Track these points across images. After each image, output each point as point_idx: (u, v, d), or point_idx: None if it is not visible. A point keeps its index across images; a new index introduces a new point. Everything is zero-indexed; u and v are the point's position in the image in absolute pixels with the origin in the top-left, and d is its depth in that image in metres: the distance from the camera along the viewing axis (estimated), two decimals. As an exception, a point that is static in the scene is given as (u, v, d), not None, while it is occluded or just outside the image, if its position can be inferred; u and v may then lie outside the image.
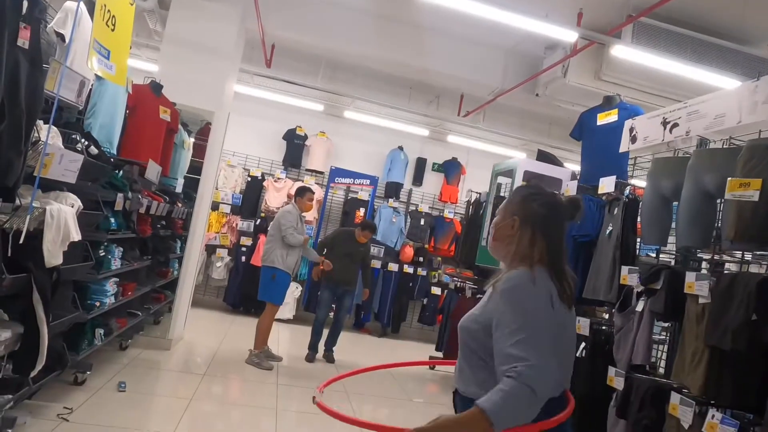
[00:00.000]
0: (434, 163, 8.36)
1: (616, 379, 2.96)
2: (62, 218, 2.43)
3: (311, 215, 7.16)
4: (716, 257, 2.86)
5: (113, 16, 2.72)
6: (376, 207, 7.76)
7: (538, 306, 1.40)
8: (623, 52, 4.57)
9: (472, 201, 6.62)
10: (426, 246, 7.89)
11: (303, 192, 5.27)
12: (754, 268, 3.05)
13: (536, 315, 1.38)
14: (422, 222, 7.88)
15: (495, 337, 1.38)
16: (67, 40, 2.76)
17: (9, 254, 2.19)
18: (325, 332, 5.66)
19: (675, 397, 2.52)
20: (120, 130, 3.79)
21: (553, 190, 1.67)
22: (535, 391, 1.25)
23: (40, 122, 2.32)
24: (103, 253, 3.45)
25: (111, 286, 3.60)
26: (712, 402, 2.40)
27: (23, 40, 2.00)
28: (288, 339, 6.45)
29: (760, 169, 2.36)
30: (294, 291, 7.22)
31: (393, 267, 7.70)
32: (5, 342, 2.31)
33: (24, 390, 2.65)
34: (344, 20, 5.88)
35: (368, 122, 7.79)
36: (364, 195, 7.73)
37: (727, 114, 2.75)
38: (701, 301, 2.51)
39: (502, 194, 5.63)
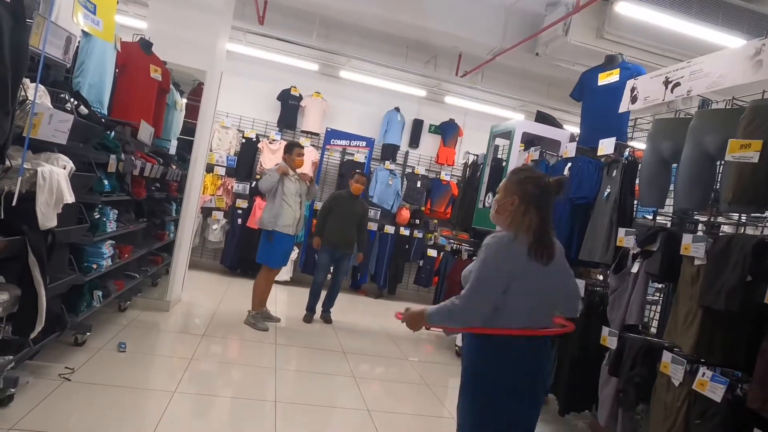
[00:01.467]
0: (431, 125, 8.26)
1: (609, 339, 3.02)
2: (54, 180, 2.39)
3: (306, 169, 7.09)
4: (712, 219, 2.87)
5: (98, -32, 2.60)
6: (372, 169, 7.71)
7: (497, 261, 1.88)
8: (628, 9, 4.45)
9: (470, 163, 6.57)
10: (422, 208, 7.89)
11: (291, 148, 5.17)
12: (750, 231, 3.07)
13: (491, 267, 1.88)
14: (419, 184, 7.85)
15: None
16: (50, -6, 2.65)
17: (2, 217, 2.17)
18: (323, 294, 5.73)
19: (666, 356, 2.58)
20: (110, 89, 3.69)
21: (543, 174, 2.09)
22: (455, 311, 1.87)
23: (26, 80, 2.25)
24: (98, 216, 3.42)
25: (107, 249, 3.60)
26: (703, 360, 2.46)
27: (4, -8, 1.91)
28: (285, 300, 6.52)
29: (763, 130, 2.33)
30: (291, 253, 7.25)
31: (389, 229, 7.71)
32: (3, 304, 2.31)
33: (25, 351, 2.68)
34: (339, -25, 5.67)
35: (364, 82, 7.63)
36: (360, 157, 7.66)
37: (730, 74, 2.70)
38: (697, 262, 2.53)
39: (499, 156, 5.58)
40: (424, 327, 1.99)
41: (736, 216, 2.92)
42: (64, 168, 2.55)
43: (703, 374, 2.35)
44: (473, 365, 1.97)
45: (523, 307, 1.90)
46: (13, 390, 2.63)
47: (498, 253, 1.89)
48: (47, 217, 2.39)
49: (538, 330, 1.93)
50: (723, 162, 2.63)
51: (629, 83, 3.49)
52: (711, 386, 2.30)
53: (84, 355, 3.47)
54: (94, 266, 3.41)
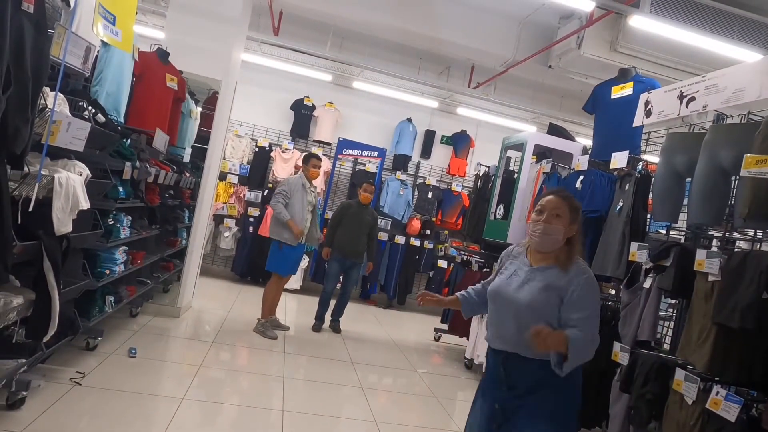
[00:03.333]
0: (443, 136, 8.27)
1: (620, 354, 2.97)
2: (71, 186, 2.44)
3: (318, 184, 7.14)
4: (727, 235, 2.83)
5: (118, -20, 2.66)
6: (383, 179, 7.73)
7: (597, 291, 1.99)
8: (641, 22, 4.43)
9: (481, 174, 6.56)
10: (433, 219, 7.88)
11: (308, 159, 5.22)
12: (766, 247, 3.02)
13: (598, 299, 1.99)
14: (430, 195, 7.85)
15: (568, 308, 1.91)
16: (71, 5, 2.71)
17: (19, 222, 2.21)
18: (332, 303, 5.72)
19: (680, 373, 2.53)
20: (127, 98, 3.76)
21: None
22: (589, 343, 1.87)
23: (46, 89, 2.30)
24: (112, 222, 3.47)
25: (120, 255, 3.64)
26: (717, 378, 2.41)
27: (28, 4, 1.96)
28: (295, 309, 6.53)
29: (779, 145, 2.30)
30: (301, 262, 7.27)
31: (400, 240, 7.71)
32: (18, 308, 2.35)
33: (37, 354, 2.71)
34: (354, -13, 5.74)
35: (377, 93, 7.68)
36: (372, 167, 7.68)
37: (746, 88, 2.67)
38: (711, 278, 2.49)
39: (511, 168, 5.57)
40: (556, 350, 1.85)
41: (751, 232, 2.87)
42: (81, 175, 2.60)
43: (717, 393, 2.30)
44: (561, 392, 1.92)
45: None
46: (24, 393, 2.66)
47: (596, 290, 1.98)
48: (63, 223, 2.43)
49: None
50: (738, 177, 2.60)
51: (643, 97, 3.47)
52: (725, 405, 2.25)
53: (95, 360, 3.50)
54: (107, 272, 3.46)
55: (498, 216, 5.03)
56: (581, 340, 1.83)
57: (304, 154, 5.53)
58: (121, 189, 3.47)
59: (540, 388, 1.91)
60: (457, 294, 2.36)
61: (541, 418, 1.89)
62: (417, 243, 7.80)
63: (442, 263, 7.76)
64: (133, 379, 3.37)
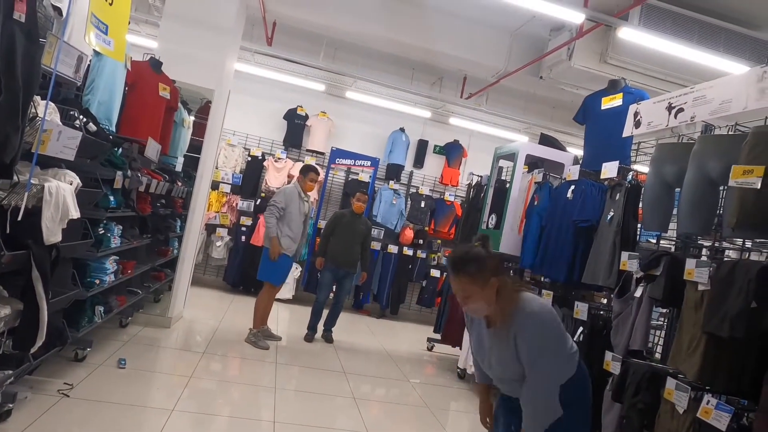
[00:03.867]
0: (436, 146, 8.31)
1: (612, 364, 2.98)
2: (61, 195, 2.42)
3: (312, 195, 7.14)
4: (717, 244, 2.86)
5: (111, -10, 2.66)
6: (376, 189, 7.74)
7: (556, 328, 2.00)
8: (630, 34, 4.50)
9: (473, 184, 6.59)
10: (426, 228, 7.89)
11: (306, 171, 5.23)
12: (754, 256, 3.05)
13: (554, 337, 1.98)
14: (423, 204, 7.87)
15: (523, 361, 1.91)
16: (64, 14, 2.71)
17: (8, 231, 2.19)
18: (325, 312, 5.70)
19: (671, 382, 2.54)
20: (119, 107, 3.75)
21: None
22: (542, 415, 1.92)
23: (37, 98, 2.29)
24: (103, 231, 3.45)
25: (111, 264, 3.61)
26: (708, 387, 2.42)
27: (19, 13, 1.96)
28: (287, 319, 6.49)
29: (766, 156, 2.34)
30: (294, 271, 7.25)
31: (393, 249, 7.71)
32: (5, 318, 2.32)
33: (24, 366, 2.68)
34: (347, -2, 5.78)
35: (370, 103, 7.72)
36: (364, 176, 7.70)
37: (733, 100, 2.72)
38: (700, 288, 2.51)
39: (503, 178, 5.60)
40: None
41: (740, 241, 2.90)
42: (71, 184, 2.58)
43: (708, 402, 2.31)
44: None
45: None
46: (11, 405, 2.61)
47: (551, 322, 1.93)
48: (52, 232, 2.41)
49: None
50: (726, 187, 2.63)
51: (632, 108, 3.51)
52: (716, 414, 2.26)
53: (84, 371, 3.45)
54: (97, 281, 3.42)
55: (490, 225, 5.05)
56: (530, 423, 1.87)
57: (303, 165, 5.53)
58: (112, 198, 3.45)
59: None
60: (479, 383, 2.33)
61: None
62: (410, 252, 7.79)
63: (435, 272, 7.76)
64: (123, 391, 3.33)
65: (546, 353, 1.88)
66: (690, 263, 2.58)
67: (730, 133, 2.77)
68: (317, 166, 6.12)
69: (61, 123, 2.50)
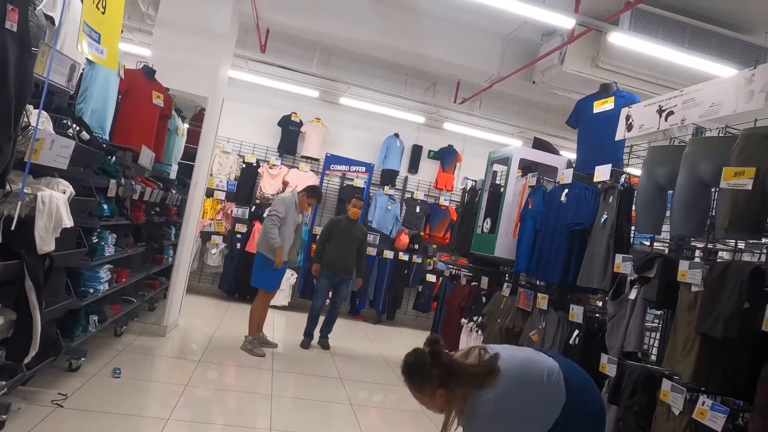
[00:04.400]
0: (430, 151, 8.34)
1: (608, 366, 2.99)
2: (54, 204, 2.41)
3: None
4: (710, 246, 2.87)
5: (104, -1, 2.66)
6: (371, 194, 7.75)
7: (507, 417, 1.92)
8: (621, 39, 4.54)
9: (468, 189, 6.60)
10: (421, 233, 7.90)
11: (312, 193, 5.21)
12: (747, 257, 3.07)
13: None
14: (418, 209, 7.88)
15: None
16: (56, 23, 2.71)
17: (1, 241, 2.17)
18: (321, 319, 5.68)
19: (666, 384, 2.55)
20: (112, 115, 3.75)
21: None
22: None
23: (30, 107, 2.29)
24: (96, 240, 3.43)
25: (105, 273, 3.59)
26: (703, 389, 2.43)
27: (11, 22, 1.96)
28: (283, 325, 6.47)
29: (756, 157, 2.36)
30: (289, 278, 7.23)
31: (388, 254, 7.71)
32: (-2, 328, 2.30)
33: (18, 376, 2.66)
34: (340, 4, 5.81)
35: (364, 109, 7.74)
36: (359, 182, 7.70)
37: (723, 102, 2.74)
38: (694, 289, 2.52)
39: (497, 182, 5.61)
40: None
41: (732, 242, 2.92)
42: (64, 192, 2.57)
43: (703, 403, 2.32)
44: None
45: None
46: (4, 416, 2.59)
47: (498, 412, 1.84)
48: (45, 242, 2.40)
49: None
50: (718, 189, 2.65)
51: (624, 111, 3.54)
52: (711, 415, 2.26)
53: (78, 381, 3.43)
54: (91, 290, 3.40)
55: (485, 230, 5.06)
56: None
57: (311, 186, 5.46)
58: (105, 206, 3.43)
59: None
60: None
61: None
62: (405, 257, 7.80)
63: (431, 277, 7.76)
64: (118, 400, 3.31)
65: None
66: (683, 265, 2.59)
67: (720, 135, 2.79)
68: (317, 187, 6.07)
69: (53, 132, 2.50)
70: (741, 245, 2.87)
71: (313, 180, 7.45)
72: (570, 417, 1.90)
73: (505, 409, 1.85)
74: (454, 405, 1.92)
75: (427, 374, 1.87)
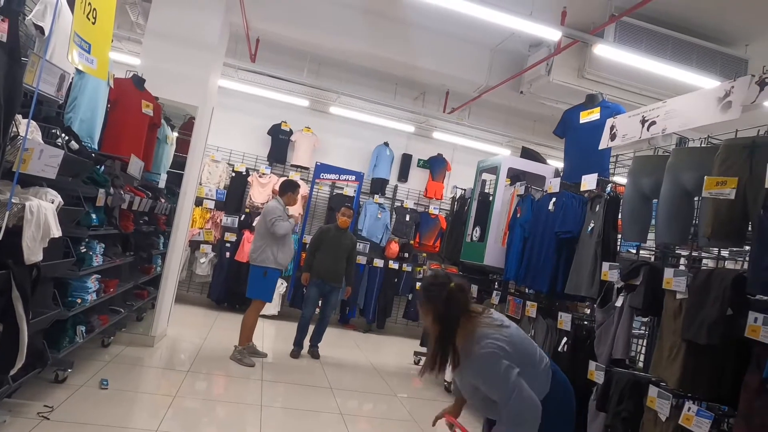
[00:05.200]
0: (420, 159, 8.39)
1: (596, 373, 3.02)
2: (42, 214, 2.40)
3: (296, 210, 7.13)
4: (694, 254, 2.93)
5: (94, 9, 2.67)
6: (361, 203, 7.77)
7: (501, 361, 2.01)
8: (606, 51, 4.63)
9: (457, 197, 6.65)
10: (411, 242, 7.92)
11: (294, 187, 5.25)
12: (730, 265, 3.14)
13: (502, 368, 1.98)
14: (407, 218, 7.91)
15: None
16: (46, 33, 2.71)
17: (-13, 251, 2.16)
18: (311, 328, 5.67)
19: (653, 390, 2.58)
20: (101, 124, 3.73)
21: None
22: (515, 420, 1.93)
23: (18, 117, 2.28)
24: (85, 250, 3.40)
25: (92, 283, 3.56)
26: (689, 395, 2.47)
27: (1, 33, 1.96)
28: (273, 335, 6.43)
29: (737, 167, 2.42)
30: (279, 287, 7.20)
31: (378, 263, 7.71)
32: (-16, 340, 2.27)
33: (4, 388, 2.62)
34: (330, 15, 5.86)
35: (354, 118, 7.78)
36: (349, 191, 7.72)
37: (701, 113, 2.81)
38: (678, 296, 2.57)
39: (486, 191, 5.67)
40: None
41: (716, 250, 2.98)
42: (52, 202, 2.56)
43: (689, 409, 2.36)
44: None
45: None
46: (-11, 430, 2.55)
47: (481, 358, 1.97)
48: (33, 252, 2.38)
49: None
50: (701, 198, 2.71)
51: (609, 121, 3.61)
52: (697, 421, 2.30)
53: (64, 393, 3.38)
54: (79, 301, 3.37)
55: (474, 238, 5.10)
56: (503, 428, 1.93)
57: (287, 180, 5.45)
58: (94, 216, 3.41)
59: None
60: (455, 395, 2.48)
61: None
62: (396, 266, 7.81)
63: (421, 286, 7.76)
64: (105, 412, 3.27)
65: (498, 379, 1.93)
66: (668, 272, 2.64)
67: (703, 145, 2.86)
68: (296, 180, 6.08)
69: (42, 142, 2.49)
70: (724, 253, 2.93)
71: (302, 189, 7.45)
72: (546, 410, 1.95)
73: (492, 360, 1.94)
74: (446, 340, 2.00)
75: (435, 298, 2.01)
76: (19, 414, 2.95)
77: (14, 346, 2.36)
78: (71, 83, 3.21)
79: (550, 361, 2.13)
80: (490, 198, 5.15)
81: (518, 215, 4.33)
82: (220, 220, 7.36)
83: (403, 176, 8.31)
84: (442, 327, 2.00)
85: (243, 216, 7.36)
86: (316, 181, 7.61)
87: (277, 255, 5.01)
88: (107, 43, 2.91)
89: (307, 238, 6.79)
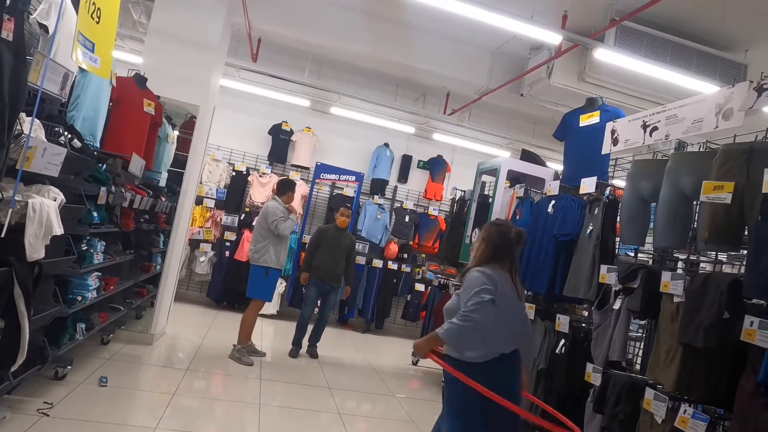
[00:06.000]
0: (420, 161, 8.41)
1: (593, 375, 3.04)
2: (44, 212, 2.41)
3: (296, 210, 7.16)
4: (692, 257, 2.95)
5: (98, 8, 2.69)
6: (361, 203, 7.78)
7: (484, 278, 2.42)
8: (606, 55, 4.65)
9: (457, 199, 6.68)
10: (410, 243, 7.94)
11: (293, 187, 5.29)
12: (727, 269, 3.16)
13: (480, 280, 2.40)
14: (407, 219, 7.93)
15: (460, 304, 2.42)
16: (50, 32, 2.73)
17: (-10, 248, 2.17)
18: (309, 328, 5.68)
19: (649, 393, 2.60)
20: (103, 123, 3.75)
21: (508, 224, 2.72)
22: (461, 323, 2.33)
23: (22, 115, 2.29)
24: (86, 247, 3.42)
25: (93, 281, 3.57)
26: (685, 397, 2.49)
27: (7, 32, 1.98)
28: (272, 334, 6.45)
29: (734, 172, 2.44)
30: (278, 286, 7.21)
31: (377, 263, 7.73)
32: (-15, 336, 2.29)
33: (4, 385, 2.63)
34: (332, 15, 5.88)
35: (354, 119, 7.79)
36: (349, 191, 7.73)
37: (704, 119, 2.83)
38: (676, 300, 2.59)
39: (486, 192, 5.69)
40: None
41: (713, 254, 3.00)
42: (55, 200, 2.57)
43: (685, 411, 2.37)
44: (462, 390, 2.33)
45: (501, 333, 2.38)
46: (-11, 426, 2.57)
47: (482, 276, 2.41)
48: (35, 249, 2.39)
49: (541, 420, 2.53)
50: (699, 202, 2.73)
51: (609, 125, 3.63)
52: (693, 423, 2.32)
53: (64, 390, 3.40)
54: (79, 298, 3.38)
55: (474, 240, 5.11)
56: (448, 331, 2.35)
57: (284, 180, 5.50)
58: (95, 214, 3.43)
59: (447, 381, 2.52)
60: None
61: (447, 408, 2.51)
62: (395, 267, 7.82)
63: (420, 287, 7.79)
64: (104, 409, 3.28)
65: (469, 293, 2.36)
66: (666, 276, 2.66)
67: (701, 149, 2.88)
68: (295, 179, 6.10)
69: (45, 140, 2.50)
70: (722, 257, 2.95)
71: (302, 188, 7.47)
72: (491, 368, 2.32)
73: (475, 281, 2.38)
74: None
75: (491, 234, 2.55)
76: (19, 410, 2.96)
77: (15, 343, 2.38)
78: (74, 81, 3.23)
79: (518, 354, 2.44)
80: (490, 200, 5.17)
81: (517, 217, 4.35)
82: (220, 219, 7.37)
83: (403, 177, 8.33)
84: (484, 247, 2.52)
85: (243, 215, 7.37)
86: (317, 181, 7.63)
87: (279, 255, 5.05)
88: (111, 42, 2.93)
89: (307, 238, 6.81)
